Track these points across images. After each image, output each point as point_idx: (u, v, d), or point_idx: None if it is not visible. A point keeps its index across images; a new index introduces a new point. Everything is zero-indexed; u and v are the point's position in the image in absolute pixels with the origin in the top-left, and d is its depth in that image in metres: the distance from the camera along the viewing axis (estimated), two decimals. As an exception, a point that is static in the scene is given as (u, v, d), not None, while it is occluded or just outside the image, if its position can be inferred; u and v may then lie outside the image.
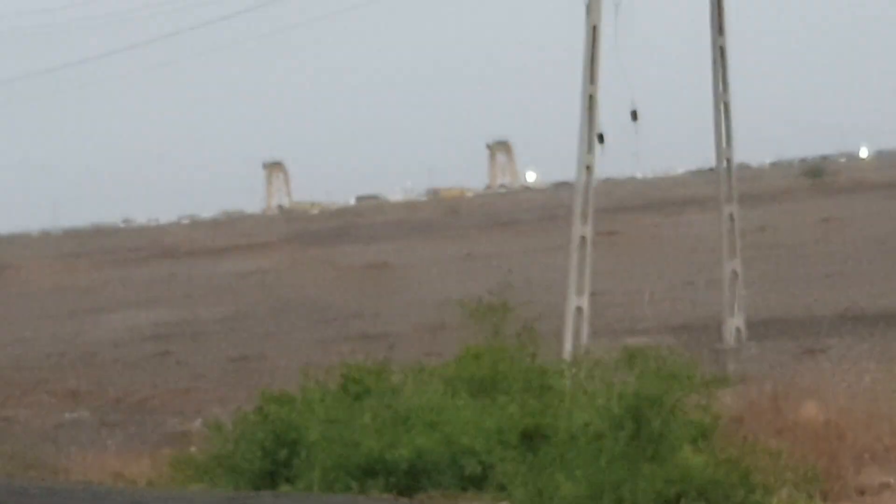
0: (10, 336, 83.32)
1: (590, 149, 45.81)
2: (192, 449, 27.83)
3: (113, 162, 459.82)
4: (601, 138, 45.89)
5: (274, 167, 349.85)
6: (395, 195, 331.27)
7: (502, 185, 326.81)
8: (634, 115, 46.10)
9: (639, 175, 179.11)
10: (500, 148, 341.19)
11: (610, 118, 46.29)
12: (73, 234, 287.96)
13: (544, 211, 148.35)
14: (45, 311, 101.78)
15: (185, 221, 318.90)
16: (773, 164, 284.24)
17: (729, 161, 50.81)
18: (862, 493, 21.69)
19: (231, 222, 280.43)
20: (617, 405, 19.43)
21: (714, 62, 49.30)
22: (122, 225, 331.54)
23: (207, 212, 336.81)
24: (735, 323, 48.92)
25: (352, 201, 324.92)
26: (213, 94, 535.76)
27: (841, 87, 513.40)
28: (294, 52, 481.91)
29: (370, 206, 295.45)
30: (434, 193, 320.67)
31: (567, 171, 50.16)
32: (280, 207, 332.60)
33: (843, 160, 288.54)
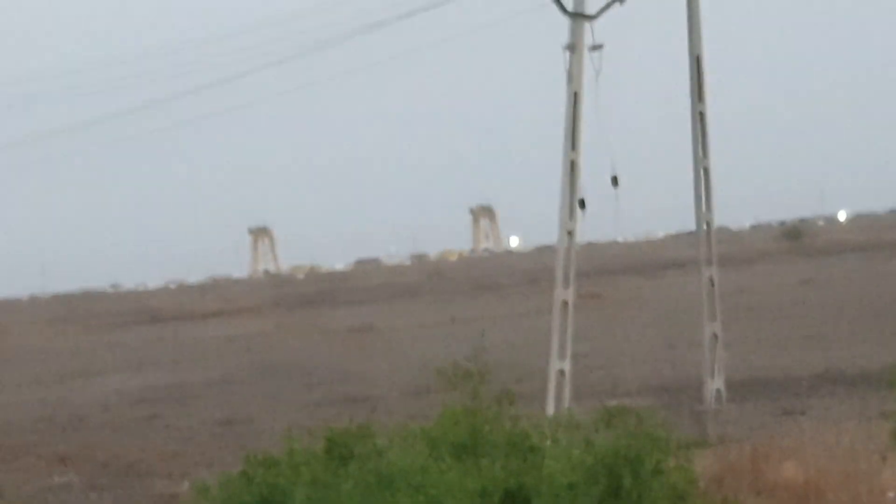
0: (6, 398, 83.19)
1: (571, 214, 45.87)
2: (180, 512, 27.80)
3: (101, 228, 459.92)
4: (582, 203, 45.94)
5: (260, 233, 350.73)
6: (391, 259, 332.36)
7: (486, 249, 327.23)
8: (615, 181, 46.21)
9: (620, 239, 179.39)
10: (483, 213, 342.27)
11: (591, 183, 46.41)
12: (62, 299, 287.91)
13: (527, 275, 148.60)
14: (33, 374, 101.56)
15: (173, 286, 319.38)
16: (753, 227, 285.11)
17: (709, 224, 50.92)
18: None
19: (218, 287, 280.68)
20: (595, 464, 19.45)
21: (693, 128, 49.45)
22: (110, 290, 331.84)
23: (194, 277, 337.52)
24: (715, 384, 48.94)
25: (348, 264, 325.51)
26: (199, 161, 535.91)
27: (819, 152, 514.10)
28: (280, 120, 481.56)
29: (365, 269, 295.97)
30: (419, 258, 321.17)
31: (549, 235, 50.21)
32: (266, 272, 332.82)
33: (821, 223, 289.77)
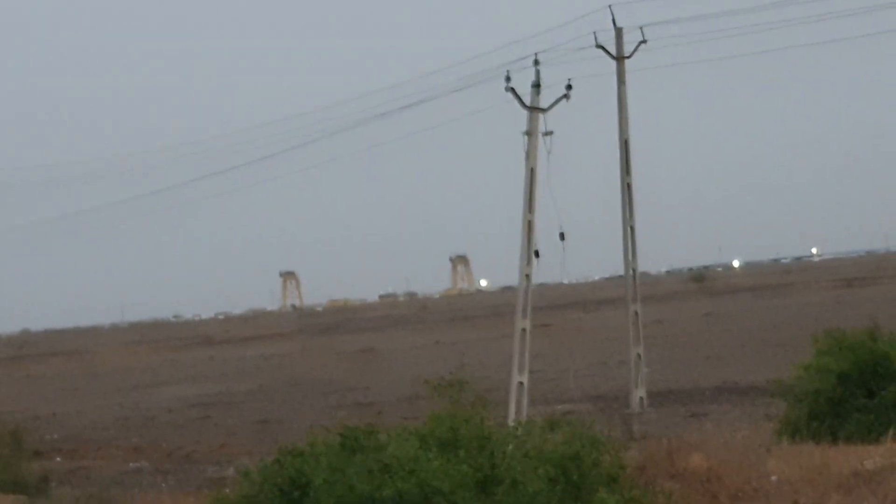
0: (88, 405, 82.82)
1: (528, 261, 45.75)
2: (227, 491, 27.51)
3: (166, 272, 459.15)
4: (537, 254, 45.84)
5: (288, 275, 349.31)
6: (388, 297, 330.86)
7: (461, 289, 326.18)
8: (562, 236, 46.06)
9: (565, 281, 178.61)
10: (460, 261, 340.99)
11: (544, 237, 46.25)
12: (136, 327, 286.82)
13: (494, 308, 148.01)
14: (113, 385, 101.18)
15: (221, 317, 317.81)
16: (668, 272, 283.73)
17: (634, 270, 50.74)
18: (736, 523, 21.59)
19: (255, 317, 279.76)
20: (545, 460, 19.36)
21: (623, 194, 49.33)
22: (172, 319, 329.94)
23: (237, 309, 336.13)
24: (639, 393, 48.71)
25: (364, 300, 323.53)
26: (241, 220, 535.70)
27: (718, 214, 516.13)
28: (303, 190, 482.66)
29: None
30: (410, 296, 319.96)
31: (511, 278, 49.89)
32: (293, 306, 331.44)
33: (720, 269, 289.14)
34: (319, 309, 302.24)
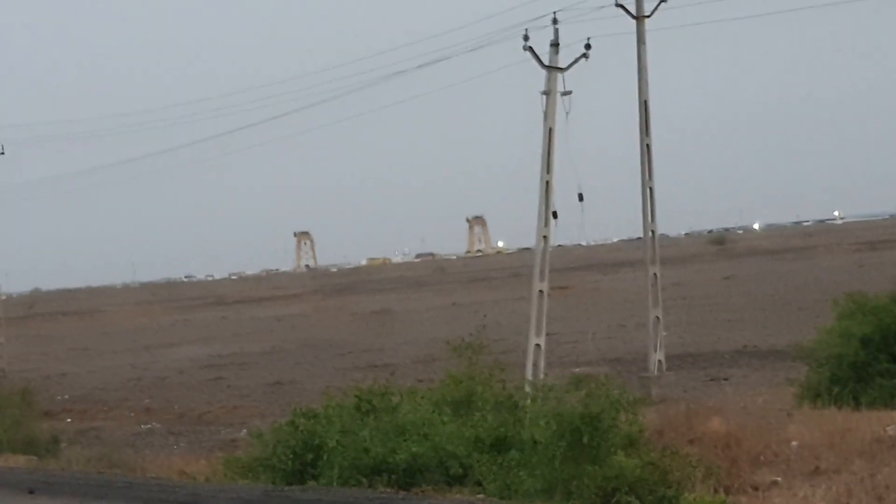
0: (99, 365, 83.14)
1: (546, 223, 45.70)
2: (239, 453, 27.72)
3: (178, 231, 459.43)
4: (555, 215, 45.78)
5: (302, 235, 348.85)
6: (405, 257, 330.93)
7: (479, 251, 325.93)
8: (581, 197, 46.06)
9: (583, 243, 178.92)
10: (477, 221, 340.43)
11: (562, 199, 46.22)
12: (148, 287, 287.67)
13: (511, 270, 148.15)
14: (125, 345, 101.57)
15: (234, 277, 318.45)
16: (687, 235, 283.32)
17: (653, 232, 50.73)
18: (756, 488, 21.61)
19: (269, 278, 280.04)
20: (562, 421, 19.40)
21: (642, 156, 49.25)
22: (185, 279, 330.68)
23: (251, 270, 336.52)
24: (657, 357, 48.75)
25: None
26: (257, 180, 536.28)
27: (739, 176, 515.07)
28: (320, 149, 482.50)
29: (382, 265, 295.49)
30: (429, 256, 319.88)
31: (529, 239, 49.95)
32: (307, 266, 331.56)
33: (740, 231, 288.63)
34: (333, 269, 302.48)
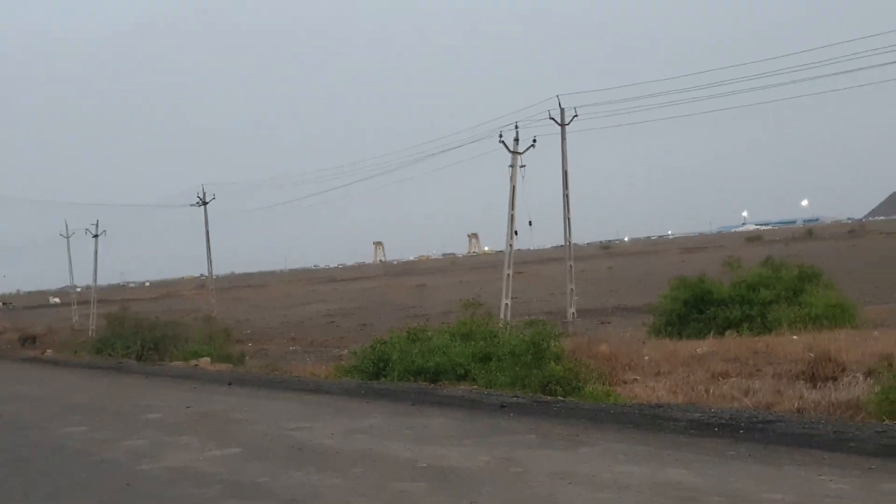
0: (265, 315, 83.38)
1: (511, 237, 45.86)
2: (343, 363, 27.78)
3: (311, 237, 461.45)
4: (516, 233, 45.91)
5: (377, 244, 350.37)
6: (435, 255, 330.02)
7: (474, 252, 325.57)
8: (530, 223, 46.16)
9: (532, 248, 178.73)
10: (473, 236, 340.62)
11: (521, 223, 46.28)
12: (293, 272, 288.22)
13: (492, 263, 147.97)
14: (279, 304, 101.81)
15: (341, 266, 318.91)
16: (588, 244, 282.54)
17: (569, 242, 50.79)
18: (626, 383, 21.68)
19: (360, 267, 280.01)
20: (522, 344, 19.45)
21: (564, 200, 49.33)
22: (313, 267, 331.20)
23: (350, 262, 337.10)
24: (571, 311, 48.77)
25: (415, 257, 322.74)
26: (337, 208, 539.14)
27: (618, 211, 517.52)
28: (387, 196, 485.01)
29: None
30: (449, 255, 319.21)
31: (502, 245, 50.06)
32: (380, 261, 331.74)
33: (617, 242, 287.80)
34: (395, 262, 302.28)
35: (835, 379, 19.61)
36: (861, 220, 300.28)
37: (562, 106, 48.74)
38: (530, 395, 16.48)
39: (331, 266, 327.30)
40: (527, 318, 29.83)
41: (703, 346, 27.74)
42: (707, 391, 19.31)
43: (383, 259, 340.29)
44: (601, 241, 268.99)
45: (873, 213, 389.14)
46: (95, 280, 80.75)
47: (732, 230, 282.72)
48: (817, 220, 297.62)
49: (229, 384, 22.28)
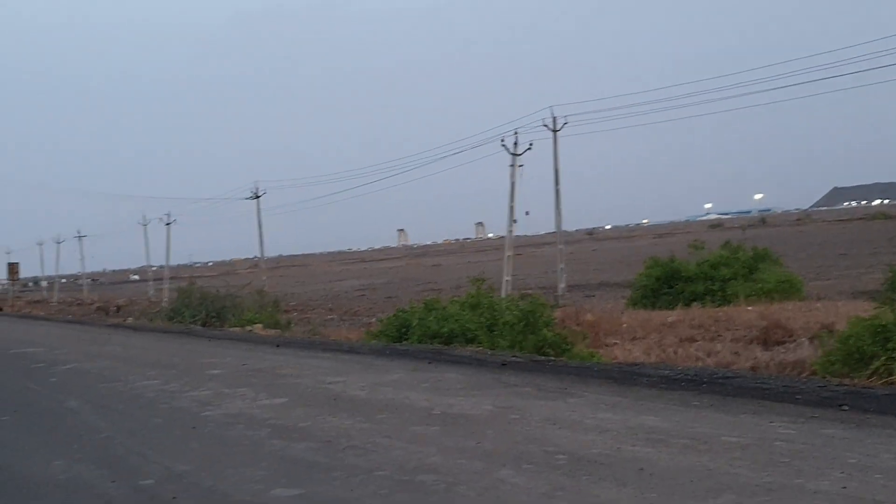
0: (308, 289, 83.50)
1: (512, 224, 45.78)
2: (372, 329, 27.79)
3: (355, 227, 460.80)
4: (515, 221, 45.92)
5: (401, 231, 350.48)
6: (449, 240, 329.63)
7: (480, 237, 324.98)
8: (527, 213, 46.37)
9: (529, 233, 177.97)
10: (479, 224, 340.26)
11: (519, 213, 46.28)
12: (330, 254, 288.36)
13: (497, 247, 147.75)
14: (320, 280, 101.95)
15: (370, 249, 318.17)
16: (576, 230, 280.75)
17: (560, 228, 50.62)
18: (607, 346, 21.63)
19: (385, 250, 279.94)
20: (520, 313, 19.39)
21: (555, 194, 49.18)
22: (346, 251, 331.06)
23: (377, 245, 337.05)
24: (562, 285, 48.71)
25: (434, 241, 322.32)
26: (380, 204, 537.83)
27: (598, 201, 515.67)
28: (407, 193, 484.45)
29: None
30: (459, 240, 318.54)
31: (505, 232, 49.97)
32: (404, 245, 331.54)
33: (601, 228, 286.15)
34: (415, 246, 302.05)
35: (784, 343, 19.56)
36: (807, 210, 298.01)
37: (554, 115, 48.54)
38: (527, 355, 16.48)
39: (361, 249, 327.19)
40: (524, 291, 29.73)
41: (673, 315, 27.66)
42: (675, 352, 19.29)
43: (406, 243, 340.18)
44: (587, 228, 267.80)
45: (817, 204, 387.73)
46: (168, 260, 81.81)
47: (698, 219, 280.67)
48: (769, 210, 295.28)
49: (277, 346, 22.32)
